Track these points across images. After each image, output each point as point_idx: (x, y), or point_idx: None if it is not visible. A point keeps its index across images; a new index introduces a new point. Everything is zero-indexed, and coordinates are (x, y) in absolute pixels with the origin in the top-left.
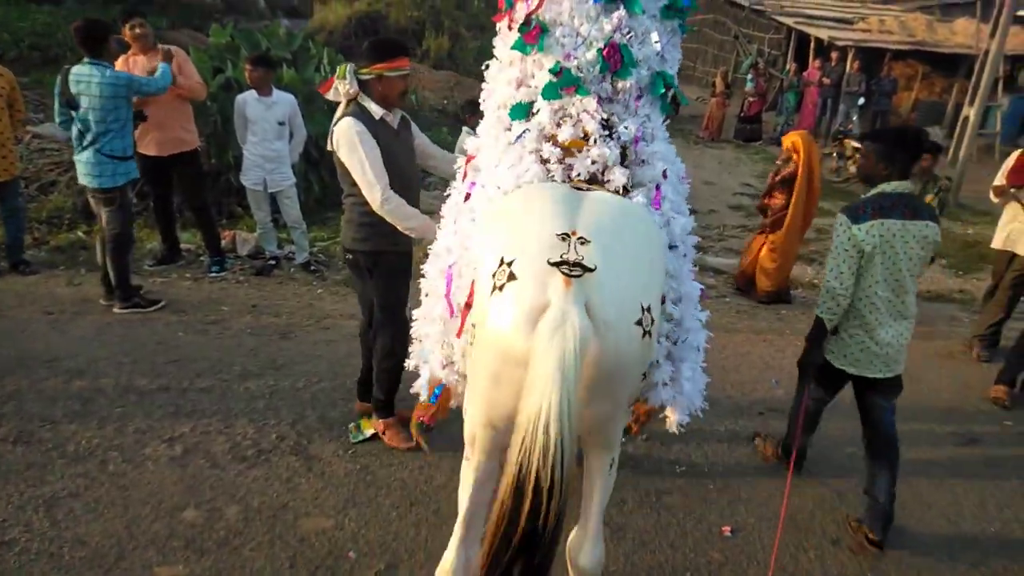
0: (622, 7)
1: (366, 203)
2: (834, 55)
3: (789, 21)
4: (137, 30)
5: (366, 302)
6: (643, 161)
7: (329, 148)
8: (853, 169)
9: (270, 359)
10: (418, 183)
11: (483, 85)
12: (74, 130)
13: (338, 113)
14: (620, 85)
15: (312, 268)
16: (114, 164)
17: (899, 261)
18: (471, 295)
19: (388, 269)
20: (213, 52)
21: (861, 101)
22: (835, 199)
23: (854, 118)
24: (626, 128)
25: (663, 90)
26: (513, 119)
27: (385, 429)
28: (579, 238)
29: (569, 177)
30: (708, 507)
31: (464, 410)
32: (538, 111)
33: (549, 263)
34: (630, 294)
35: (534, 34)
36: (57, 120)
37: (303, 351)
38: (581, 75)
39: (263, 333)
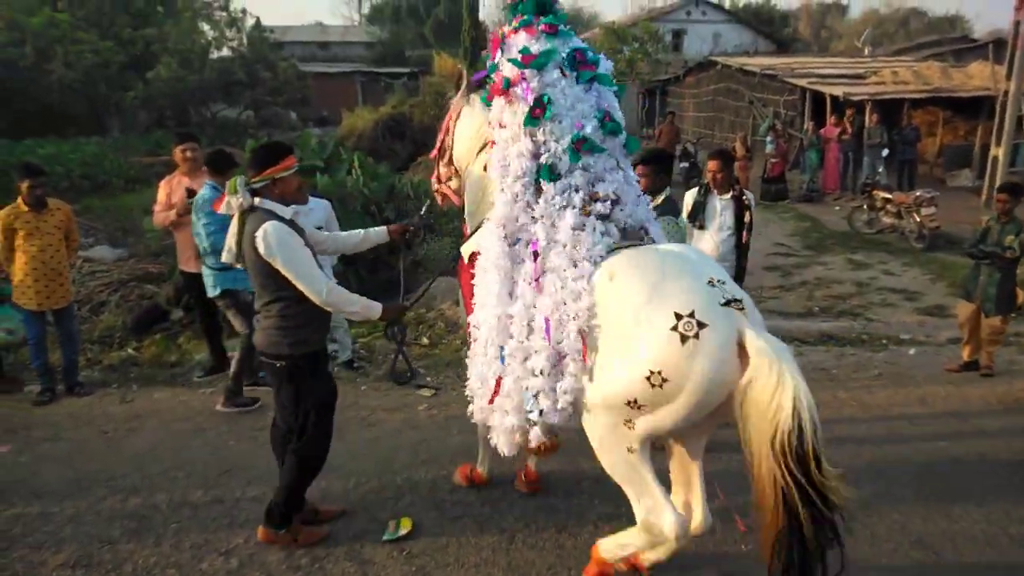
0: (597, 84)
1: (295, 304)
2: (849, 111)
3: (802, 82)
4: (189, 153)
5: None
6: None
7: (239, 264)
8: (885, 220)
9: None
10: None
11: (490, 159)
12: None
13: (243, 224)
14: (616, 142)
15: (355, 365)
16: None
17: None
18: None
19: (299, 373)
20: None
21: (885, 152)
22: (871, 251)
23: (880, 169)
24: (636, 179)
25: (637, 146)
26: (548, 181)
27: (277, 540)
28: (719, 281)
29: (621, 230)
30: None
31: (626, 423)
32: (568, 177)
33: (721, 305)
34: (754, 307)
35: (542, 109)
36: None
37: (351, 450)
38: (594, 139)
39: None
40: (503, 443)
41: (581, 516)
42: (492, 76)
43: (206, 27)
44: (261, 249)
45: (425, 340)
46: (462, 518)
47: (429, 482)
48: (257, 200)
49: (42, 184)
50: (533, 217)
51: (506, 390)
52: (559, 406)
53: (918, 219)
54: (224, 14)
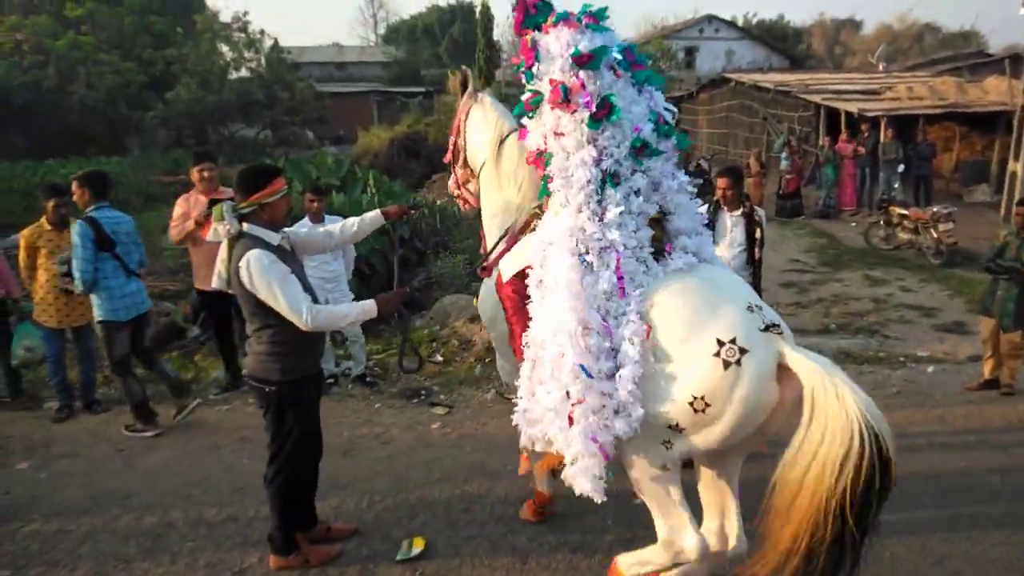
0: (648, 84)
1: (285, 331)
2: (864, 126)
3: (817, 98)
4: (206, 173)
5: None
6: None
7: (226, 288)
8: (903, 236)
9: (332, 479)
10: (314, 294)
11: (553, 174)
12: None
13: (231, 251)
14: (669, 144)
15: (368, 380)
16: None
17: None
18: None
19: (284, 400)
20: None
21: (901, 168)
22: (888, 267)
23: (896, 185)
24: (687, 184)
25: (686, 144)
26: (612, 188)
27: (288, 564)
28: (757, 306)
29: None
30: None
31: (664, 443)
32: (629, 181)
33: (761, 331)
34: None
35: (607, 110)
36: None
37: (365, 468)
38: (652, 142)
39: (325, 452)
40: (589, 473)
41: (595, 537)
42: (532, 84)
43: (225, 48)
44: (244, 280)
45: (439, 357)
46: (475, 538)
47: (443, 501)
48: (246, 226)
49: (67, 204)
50: (605, 225)
51: (585, 411)
52: (633, 418)
53: (935, 235)
54: (243, 35)
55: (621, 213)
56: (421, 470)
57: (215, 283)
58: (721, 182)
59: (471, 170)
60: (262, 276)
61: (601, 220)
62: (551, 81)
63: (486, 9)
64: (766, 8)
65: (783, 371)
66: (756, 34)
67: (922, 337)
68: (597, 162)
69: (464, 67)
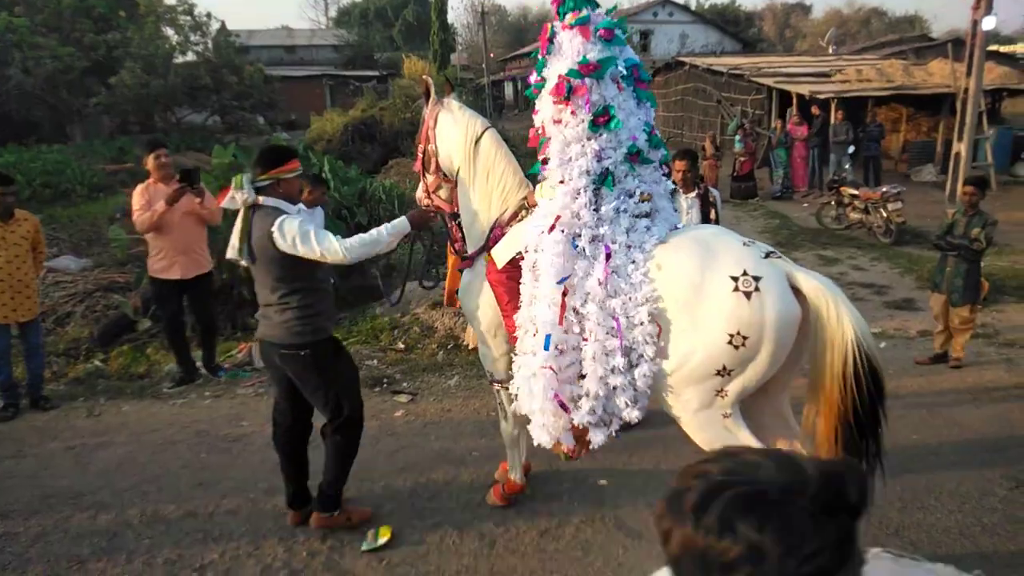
0: (647, 103)
1: (312, 293)
2: (814, 108)
3: (769, 81)
4: (162, 159)
5: (294, 401)
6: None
7: (242, 262)
8: (853, 216)
9: None
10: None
11: (551, 156)
12: None
13: (246, 223)
14: (658, 155)
15: None
16: None
17: None
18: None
19: (323, 355)
20: (218, 172)
21: (851, 149)
22: (840, 247)
23: (847, 166)
24: (669, 186)
25: (668, 158)
26: (608, 188)
27: (332, 523)
28: (750, 241)
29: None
30: None
31: (717, 392)
32: (623, 182)
33: (763, 258)
34: None
35: (605, 119)
36: None
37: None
38: (645, 152)
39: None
40: (568, 438)
41: (562, 519)
42: (542, 74)
43: (170, 31)
44: (280, 243)
45: (401, 344)
46: (442, 525)
47: (408, 490)
48: (262, 198)
49: (12, 193)
50: (599, 218)
51: (584, 389)
52: (638, 395)
53: (885, 214)
54: (189, 18)
55: (616, 210)
56: (385, 459)
57: (229, 254)
58: (678, 164)
59: (444, 176)
60: (297, 230)
61: (597, 211)
62: (561, 77)
63: None
64: None
65: (795, 290)
66: (709, 18)
67: (874, 314)
68: (597, 156)
69: (426, 76)
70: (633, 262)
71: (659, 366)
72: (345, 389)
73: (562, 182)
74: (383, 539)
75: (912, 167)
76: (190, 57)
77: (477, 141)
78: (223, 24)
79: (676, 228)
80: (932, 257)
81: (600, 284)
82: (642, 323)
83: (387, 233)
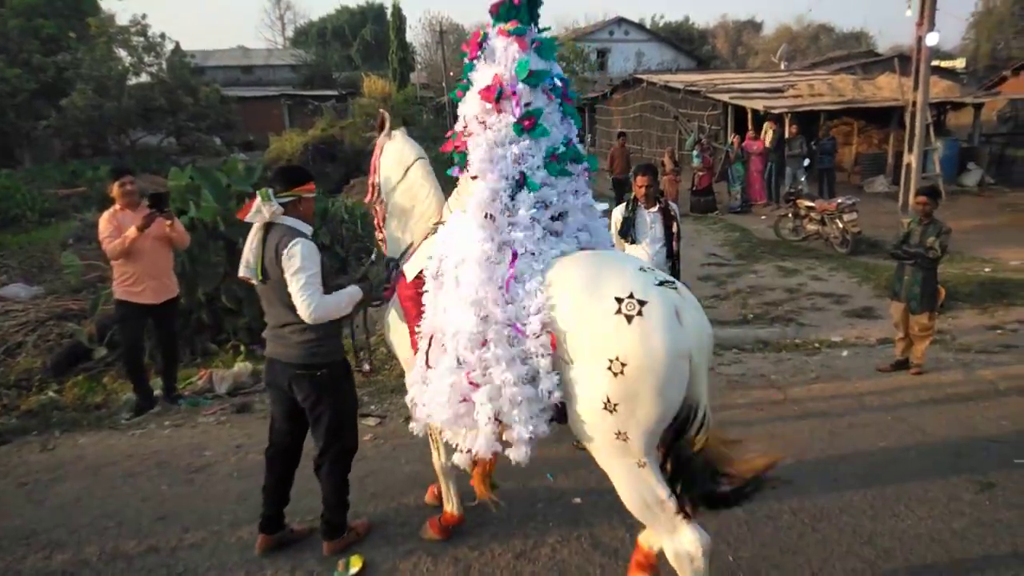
0: (570, 119)
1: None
2: (768, 123)
3: (724, 97)
4: (128, 187)
5: (292, 424)
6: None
7: (250, 279)
8: (810, 227)
9: (260, 503)
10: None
11: (472, 155)
12: None
13: (264, 239)
14: (578, 168)
15: None
16: None
17: None
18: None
19: (338, 377)
20: (175, 195)
21: (806, 163)
22: (798, 258)
23: (802, 179)
24: (586, 200)
25: (596, 167)
26: (530, 191)
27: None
28: (649, 267)
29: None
30: None
31: (617, 435)
32: (542, 191)
33: (656, 285)
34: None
35: (531, 122)
36: None
37: (296, 487)
38: (564, 162)
39: (251, 474)
40: (481, 446)
41: (537, 539)
42: (469, 76)
43: (123, 53)
44: (284, 260)
45: (367, 366)
46: (415, 551)
47: (379, 516)
48: (279, 216)
49: None
50: (512, 222)
51: (484, 398)
52: (544, 408)
53: (841, 225)
54: (142, 39)
55: (531, 217)
56: (355, 485)
57: (242, 271)
58: (640, 180)
59: (386, 205)
60: (299, 262)
61: (510, 216)
62: (495, 77)
63: (398, 10)
64: (672, 10)
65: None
66: (664, 36)
67: (835, 323)
68: (517, 160)
69: (383, 111)
70: (532, 270)
71: (557, 381)
72: (348, 416)
73: (474, 178)
74: (354, 569)
75: (865, 179)
76: (144, 78)
77: (407, 170)
78: (177, 45)
79: (590, 247)
80: (889, 266)
81: (502, 290)
82: (535, 334)
83: (345, 301)
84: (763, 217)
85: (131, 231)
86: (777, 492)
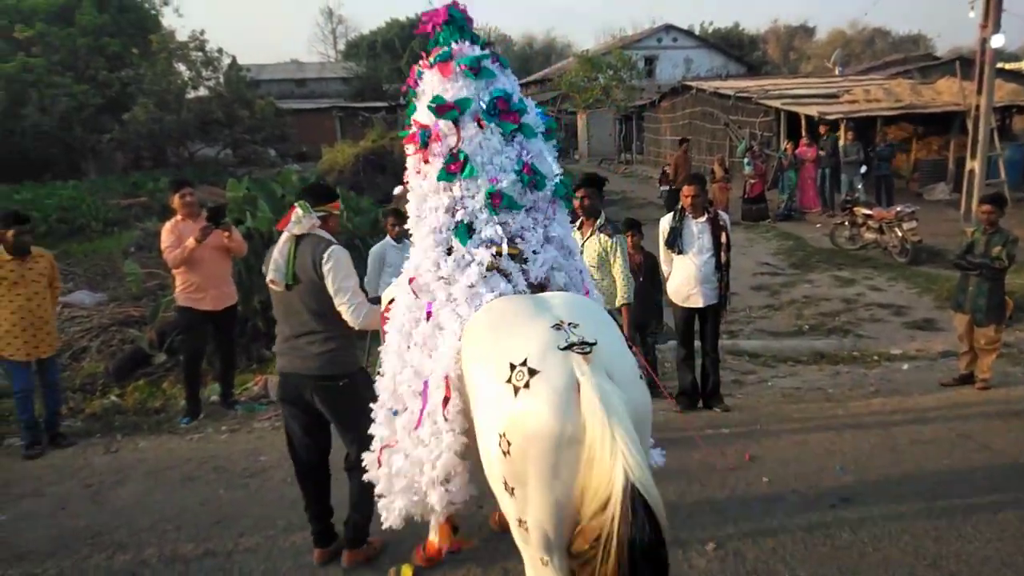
0: (520, 135)
1: (343, 323)
2: (822, 129)
3: (776, 103)
4: (188, 198)
5: (317, 437)
6: (570, 252)
7: (278, 283)
8: (868, 236)
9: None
10: None
11: (409, 212)
12: None
13: (295, 248)
14: (539, 196)
15: None
16: None
17: None
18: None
19: (359, 385)
20: (232, 205)
21: (863, 169)
22: (856, 267)
23: (859, 186)
24: (554, 233)
25: (564, 192)
26: (461, 242)
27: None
28: (569, 324)
29: (528, 282)
30: None
31: (519, 523)
32: (483, 230)
33: (560, 349)
34: (626, 354)
35: (459, 165)
36: None
37: (348, 493)
38: (512, 194)
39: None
40: (392, 519)
41: None
42: (410, 120)
43: (182, 67)
44: (323, 265)
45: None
46: (466, 563)
47: (425, 527)
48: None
49: (28, 231)
50: (440, 276)
51: (395, 468)
52: (436, 474)
53: (900, 234)
54: (200, 54)
55: (459, 265)
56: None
57: (271, 275)
58: (688, 190)
59: None
60: (347, 268)
61: (438, 269)
62: (415, 123)
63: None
64: (721, 16)
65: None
66: (713, 42)
67: (894, 335)
68: (450, 210)
69: None
70: (454, 318)
71: (449, 442)
72: (367, 421)
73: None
74: None
75: (924, 186)
76: (202, 92)
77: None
78: (234, 59)
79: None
80: (951, 276)
81: (419, 345)
82: (438, 386)
83: (375, 314)
84: (818, 225)
85: (190, 242)
86: (835, 510)
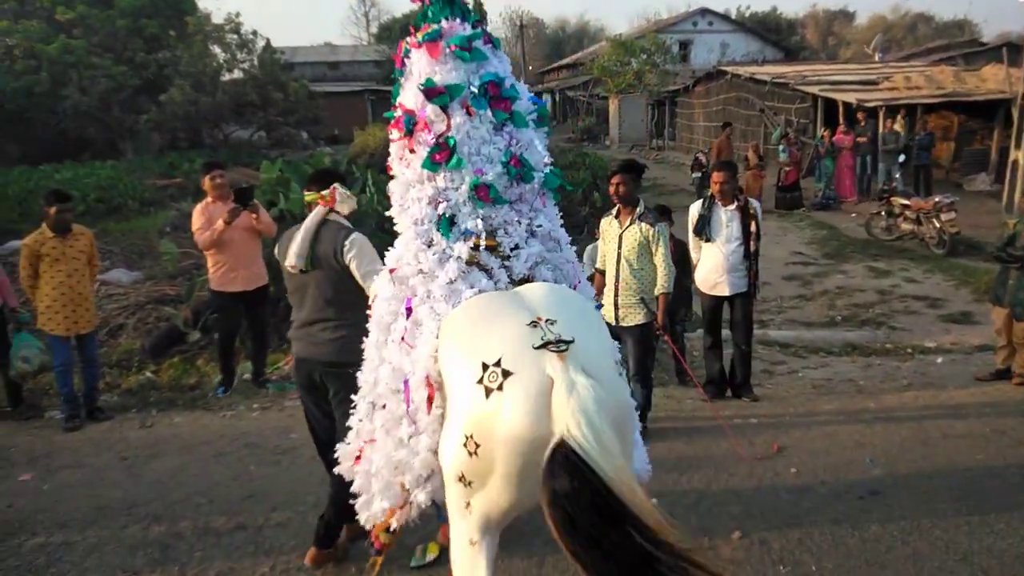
0: (510, 124)
1: (362, 310)
2: (860, 116)
3: (814, 90)
4: (218, 180)
5: (332, 419)
6: (558, 244)
7: (299, 268)
8: (905, 226)
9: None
10: None
11: (392, 200)
12: None
13: (316, 234)
14: (527, 188)
15: None
16: None
17: None
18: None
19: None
20: (266, 187)
21: (902, 158)
22: (891, 258)
23: (897, 175)
24: (540, 226)
25: (556, 183)
26: (443, 235)
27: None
28: (546, 320)
29: (510, 278)
30: None
31: (466, 505)
32: (464, 223)
33: (535, 348)
34: (605, 350)
35: (445, 154)
36: None
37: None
38: (498, 187)
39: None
40: (369, 519)
41: None
42: (396, 103)
43: (218, 50)
44: (347, 254)
45: None
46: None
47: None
48: (331, 214)
49: (70, 209)
50: (420, 270)
51: (376, 467)
52: (419, 473)
53: (938, 225)
54: (235, 37)
55: (439, 259)
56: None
57: (296, 261)
58: (717, 176)
59: None
60: (367, 252)
61: (418, 263)
62: (401, 106)
63: (480, 5)
64: (758, 1)
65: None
66: (750, 27)
67: (929, 328)
68: (432, 202)
69: None
70: (432, 315)
71: (427, 444)
72: None
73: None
74: (431, 555)
75: (965, 176)
76: (237, 74)
77: None
78: (268, 42)
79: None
80: (989, 269)
81: (396, 343)
82: (420, 386)
83: None
84: (853, 215)
85: (219, 224)
86: (864, 502)
